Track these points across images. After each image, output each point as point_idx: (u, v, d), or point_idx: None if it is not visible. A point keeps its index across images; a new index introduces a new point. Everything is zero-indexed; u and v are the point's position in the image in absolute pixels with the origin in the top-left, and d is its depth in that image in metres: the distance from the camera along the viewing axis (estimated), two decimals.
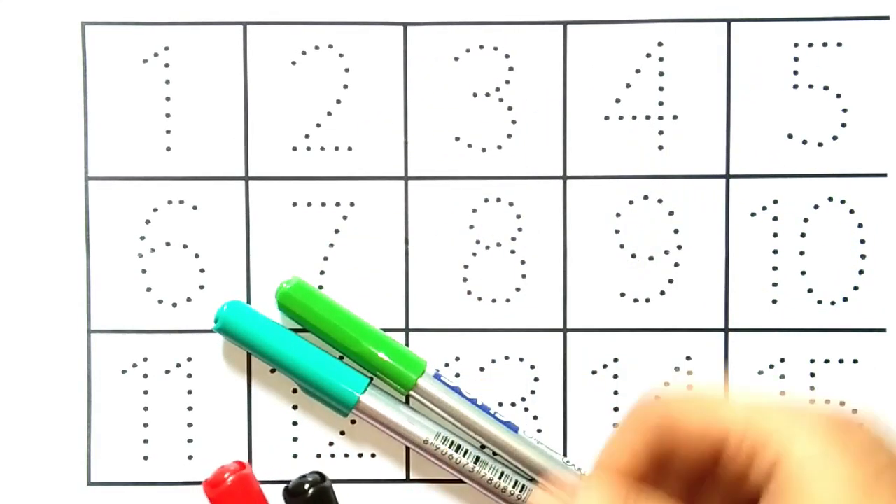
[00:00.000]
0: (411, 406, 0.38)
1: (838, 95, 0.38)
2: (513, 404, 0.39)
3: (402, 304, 0.39)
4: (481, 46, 0.38)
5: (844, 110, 0.38)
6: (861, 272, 0.38)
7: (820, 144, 0.38)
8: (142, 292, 0.39)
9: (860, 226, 0.38)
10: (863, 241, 0.38)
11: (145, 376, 0.39)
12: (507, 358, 0.39)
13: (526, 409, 0.39)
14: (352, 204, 0.39)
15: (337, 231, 0.39)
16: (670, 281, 0.39)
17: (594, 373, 0.39)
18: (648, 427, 0.27)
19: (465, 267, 0.39)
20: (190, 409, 0.39)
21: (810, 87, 0.38)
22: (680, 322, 0.38)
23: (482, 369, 0.39)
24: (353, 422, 0.39)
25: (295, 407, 0.39)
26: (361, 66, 0.39)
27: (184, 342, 0.39)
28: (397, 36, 0.38)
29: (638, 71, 0.38)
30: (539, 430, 0.39)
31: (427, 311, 0.39)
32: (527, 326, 0.39)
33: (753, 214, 0.38)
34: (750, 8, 0.38)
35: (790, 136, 0.38)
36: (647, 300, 0.39)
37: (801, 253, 0.39)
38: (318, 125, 0.39)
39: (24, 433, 0.38)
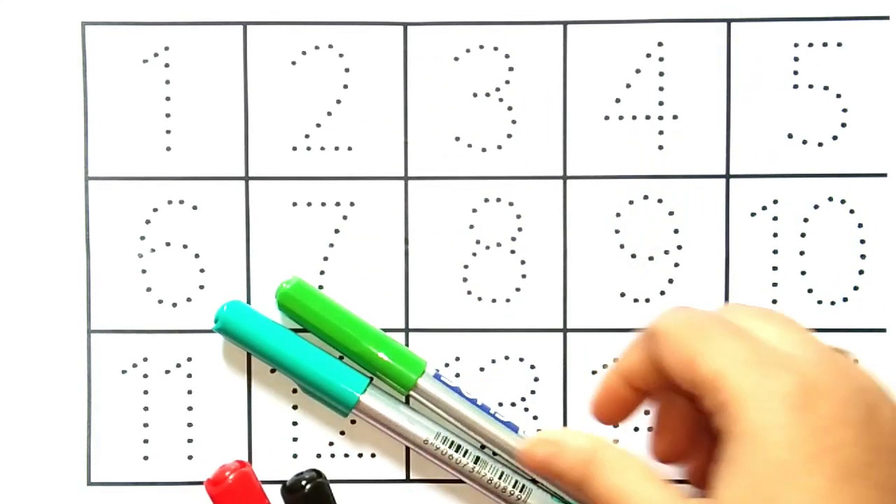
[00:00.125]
0: (411, 406, 0.38)
1: (838, 95, 0.38)
2: (513, 404, 0.39)
3: (402, 304, 0.39)
4: (481, 46, 0.38)
5: (844, 110, 0.38)
6: (861, 272, 0.38)
7: (820, 144, 0.38)
8: (142, 292, 0.39)
9: (860, 226, 0.38)
10: (863, 241, 0.38)
11: (145, 376, 0.39)
12: (507, 358, 0.39)
13: (526, 409, 0.39)
14: (352, 204, 0.39)
15: (337, 231, 0.39)
16: (670, 281, 0.39)
17: (594, 373, 0.39)
18: (645, 350, 0.31)
19: (465, 267, 0.39)
20: (190, 409, 0.39)
21: (810, 87, 0.38)
22: None
23: (482, 369, 0.39)
24: (353, 422, 0.39)
25: (295, 407, 0.39)
26: (361, 66, 0.39)
27: (184, 342, 0.39)
28: (397, 36, 0.38)
29: (638, 71, 0.38)
30: (539, 430, 0.39)
31: (427, 311, 0.39)
32: (527, 326, 0.39)
33: (753, 214, 0.38)
34: (750, 8, 0.38)
35: (790, 136, 0.38)
36: (647, 300, 0.39)
37: (801, 253, 0.39)
38: (318, 125, 0.39)
39: (24, 433, 0.38)
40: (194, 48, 0.38)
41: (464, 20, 0.38)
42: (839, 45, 0.38)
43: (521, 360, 0.39)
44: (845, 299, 0.39)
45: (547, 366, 0.39)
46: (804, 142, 0.38)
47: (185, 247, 0.39)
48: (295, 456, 0.39)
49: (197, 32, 0.38)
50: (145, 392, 0.39)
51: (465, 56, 0.38)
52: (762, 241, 0.39)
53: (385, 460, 0.39)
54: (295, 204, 0.39)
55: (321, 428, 0.39)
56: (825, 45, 0.38)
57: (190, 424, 0.39)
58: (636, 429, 0.39)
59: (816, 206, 0.38)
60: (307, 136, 0.39)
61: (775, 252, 0.39)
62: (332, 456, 0.39)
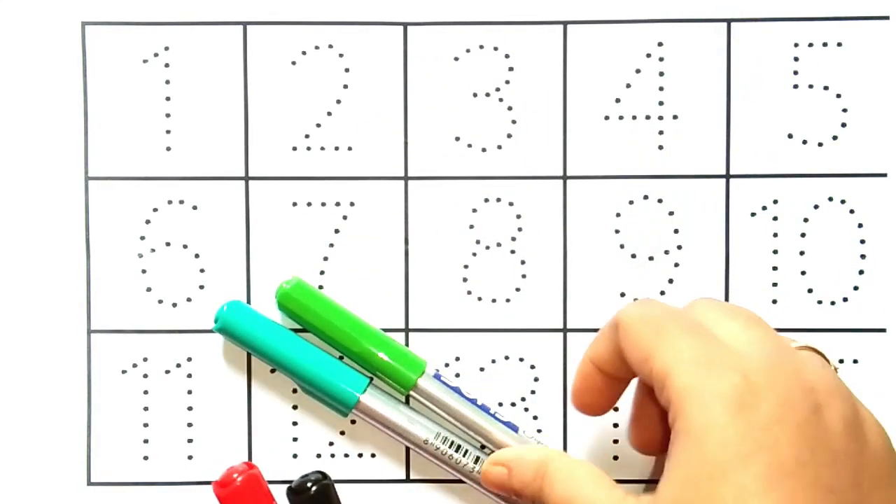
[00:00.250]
0: (411, 406, 0.38)
1: (838, 95, 0.38)
2: (513, 404, 0.39)
3: (402, 304, 0.39)
4: (481, 46, 0.38)
5: (844, 110, 0.38)
6: (861, 272, 0.38)
7: (820, 144, 0.38)
8: (142, 292, 0.39)
9: (860, 226, 0.38)
10: (863, 241, 0.38)
11: (145, 376, 0.39)
12: (507, 358, 0.39)
13: (526, 409, 0.39)
14: (352, 204, 0.39)
15: (337, 231, 0.39)
16: (670, 281, 0.39)
17: None
18: (612, 339, 0.32)
19: (465, 267, 0.39)
20: (190, 409, 0.39)
21: (810, 87, 0.38)
22: None
23: (482, 369, 0.39)
24: (353, 422, 0.39)
25: (295, 407, 0.39)
26: (361, 66, 0.39)
27: (184, 342, 0.39)
28: (397, 36, 0.38)
29: (638, 71, 0.38)
30: (539, 430, 0.39)
31: (427, 311, 0.39)
32: (527, 326, 0.39)
33: (753, 214, 0.38)
34: (750, 8, 0.38)
35: (790, 136, 0.38)
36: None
37: (801, 253, 0.39)
38: (318, 125, 0.39)
39: (24, 433, 0.38)
40: (194, 48, 0.38)
41: (464, 20, 0.38)
42: (839, 45, 0.38)
43: (521, 360, 0.39)
44: (845, 299, 0.39)
45: (547, 366, 0.39)
46: (804, 142, 0.38)
47: (185, 247, 0.39)
48: (295, 456, 0.39)
49: (197, 32, 0.38)
50: (145, 392, 0.39)
51: (465, 56, 0.38)
52: (762, 241, 0.39)
53: (385, 460, 0.39)
54: (295, 204, 0.39)
55: (321, 428, 0.39)
56: (825, 45, 0.38)
57: (190, 424, 0.39)
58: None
59: (816, 206, 0.38)
60: (307, 136, 0.39)
61: (775, 252, 0.39)
62: (332, 456, 0.39)
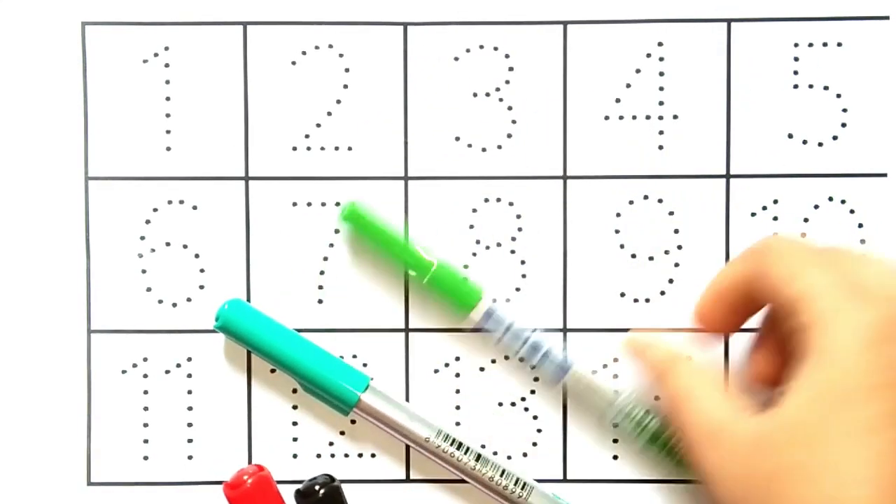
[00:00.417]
0: (411, 405, 0.38)
1: (838, 95, 0.38)
2: (513, 404, 0.39)
3: (402, 304, 0.39)
4: (481, 46, 0.38)
5: (844, 110, 0.38)
6: None
7: (820, 144, 0.38)
8: (142, 292, 0.39)
9: (860, 226, 0.38)
10: (863, 241, 0.38)
11: (145, 376, 0.39)
12: (506, 358, 0.39)
13: (526, 409, 0.39)
14: None
15: (337, 231, 0.39)
16: (670, 281, 0.39)
17: (594, 373, 0.39)
18: (747, 264, 0.34)
19: (465, 267, 0.39)
20: (190, 409, 0.39)
21: (810, 87, 0.38)
22: (680, 322, 0.38)
23: (482, 369, 0.39)
24: (353, 421, 0.39)
25: (295, 407, 0.39)
26: (361, 66, 0.39)
27: (184, 342, 0.39)
28: (397, 36, 0.38)
29: (638, 71, 0.38)
30: (539, 431, 0.39)
31: (427, 311, 0.39)
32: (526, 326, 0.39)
33: (753, 214, 0.38)
34: (750, 8, 0.38)
35: (790, 136, 0.38)
36: (647, 300, 0.39)
37: None
38: (318, 125, 0.39)
39: (24, 433, 0.38)
40: (194, 48, 0.38)
41: (464, 20, 0.38)
42: (839, 45, 0.38)
43: (521, 360, 0.39)
44: None
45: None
46: (804, 142, 0.38)
47: (185, 247, 0.39)
48: (295, 456, 0.39)
49: (197, 32, 0.38)
50: (145, 392, 0.39)
51: (465, 56, 0.38)
52: None
53: (385, 460, 0.39)
54: (295, 204, 0.39)
55: (321, 428, 0.39)
56: (825, 45, 0.38)
57: (190, 424, 0.39)
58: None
59: (816, 206, 0.38)
60: (307, 136, 0.39)
61: None
62: (332, 456, 0.39)
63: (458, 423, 0.39)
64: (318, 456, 0.39)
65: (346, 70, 0.39)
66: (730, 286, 0.35)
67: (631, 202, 0.39)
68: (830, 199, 0.38)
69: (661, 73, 0.38)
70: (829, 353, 0.29)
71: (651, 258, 0.39)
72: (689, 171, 0.39)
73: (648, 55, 0.38)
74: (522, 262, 0.39)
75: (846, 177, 0.38)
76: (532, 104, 0.38)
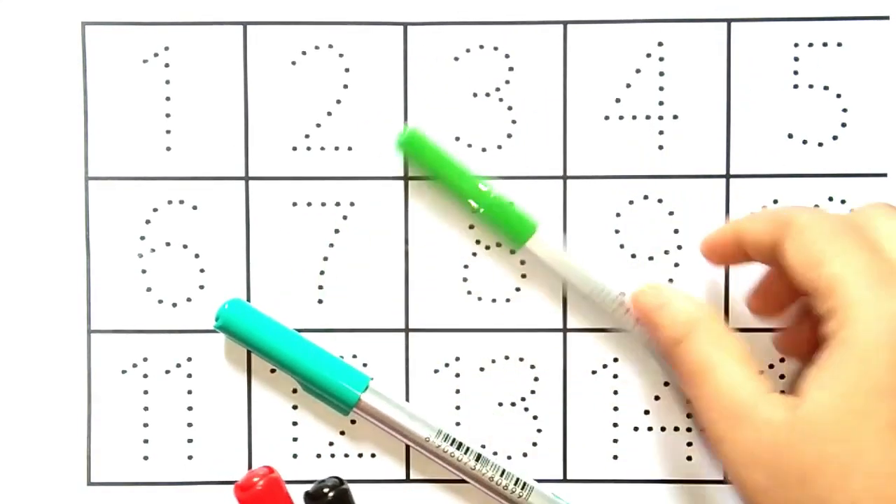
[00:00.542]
0: (411, 405, 0.38)
1: (838, 95, 0.38)
2: (513, 404, 0.39)
3: (402, 304, 0.39)
4: (481, 46, 0.38)
5: (844, 110, 0.38)
6: None
7: (820, 144, 0.38)
8: (142, 292, 0.39)
9: None
10: None
11: (145, 376, 0.39)
12: (507, 358, 0.39)
13: (526, 409, 0.39)
14: (352, 204, 0.39)
15: (337, 231, 0.39)
16: (670, 281, 0.39)
17: (594, 373, 0.39)
18: (772, 230, 0.32)
19: (465, 267, 0.39)
20: (190, 409, 0.39)
21: (810, 87, 0.38)
22: None
23: (482, 369, 0.39)
24: (353, 422, 0.39)
25: (295, 407, 0.39)
26: (361, 66, 0.39)
27: (184, 342, 0.39)
28: (397, 36, 0.38)
29: (638, 71, 0.38)
30: (539, 431, 0.39)
31: (427, 311, 0.39)
32: (527, 326, 0.39)
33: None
34: (750, 8, 0.38)
35: (790, 136, 0.38)
36: None
37: None
38: (318, 125, 0.39)
39: (24, 433, 0.38)
40: (194, 48, 0.38)
41: (464, 20, 0.38)
42: (839, 45, 0.38)
43: (521, 360, 0.39)
44: None
45: (547, 366, 0.39)
46: (804, 142, 0.38)
47: (185, 247, 0.39)
48: (295, 456, 0.39)
49: (197, 32, 0.38)
50: (145, 392, 0.39)
51: (465, 56, 0.38)
52: None
53: (385, 460, 0.39)
54: (295, 204, 0.39)
55: (321, 428, 0.39)
56: (825, 45, 0.38)
57: (190, 424, 0.39)
58: (636, 428, 0.39)
59: (816, 206, 0.38)
60: (307, 136, 0.39)
61: None
62: (332, 456, 0.39)
63: (458, 423, 0.39)
64: (318, 456, 0.39)
65: (346, 70, 0.39)
66: (748, 242, 0.34)
67: (631, 202, 0.39)
68: (830, 199, 0.38)
69: (661, 73, 0.38)
70: (861, 345, 0.29)
71: (651, 258, 0.39)
72: (689, 171, 0.39)
73: (648, 55, 0.38)
74: (522, 262, 0.39)
75: (846, 177, 0.38)
76: (532, 104, 0.38)
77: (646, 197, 0.39)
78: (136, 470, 0.39)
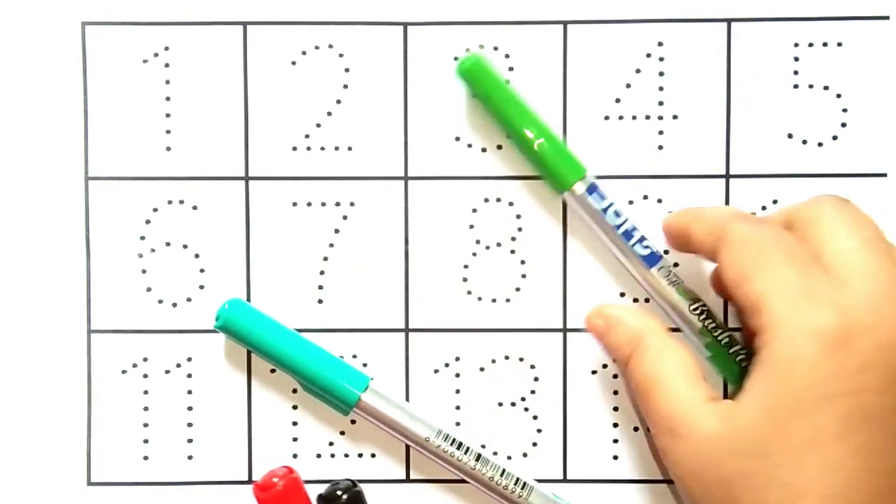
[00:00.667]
0: (411, 405, 0.38)
1: (838, 95, 0.38)
2: (513, 404, 0.39)
3: (402, 304, 0.39)
4: (481, 46, 0.38)
5: (844, 110, 0.38)
6: None
7: (820, 144, 0.38)
8: (142, 292, 0.39)
9: None
10: None
11: (145, 376, 0.39)
12: (507, 358, 0.39)
13: (526, 409, 0.39)
14: (352, 204, 0.39)
15: (337, 231, 0.39)
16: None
17: (594, 373, 0.39)
18: (707, 243, 0.33)
19: (465, 267, 0.39)
20: (190, 409, 0.39)
21: (810, 87, 0.38)
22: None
23: (482, 369, 0.39)
24: (353, 422, 0.39)
25: (295, 407, 0.39)
26: (361, 66, 0.39)
27: (184, 342, 0.39)
28: (397, 36, 0.38)
29: (638, 71, 0.38)
30: (539, 431, 0.39)
31: (427, 311, 0.39)
32: (527, 326, 0.39)
33: (753, 215, 0.38)
34: (750, 8, 0.38)
35: (790, 136, 0.38)
36: (647, 300, 0.39)
37: None
38: (318, 125, 0.39)
39: (24, 433, 0.38)
40: (194, 48, 0.38)
41: (464, 20, 0.38)
42: (839, 45, 0.38)
43: (521, 360, 0.39)
44: None
45: (547, 366, 0.39)
46: (804, 142, 0.38)
47: (185, 247, 0.39)
48: (295, 456, 0.39)
49: (197, 32, 0.38)
50: (145, 392, 0.39)
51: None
52: None
53: (385, 460, 0.39)
54: (295, 204, 0.39)
55: (321, 428, 0.39)
56: (825, 45, 0.38)
57: (190, 424, 0.39)
58: (636, 429, 0.39)
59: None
60: (307, 136, 0.39)
61: None
62: (332, 456, 0.39)
63: (458, 423, 0.39)
64: (318, 456, 0.39)
65: (346, 70, 0.39)
66: (694, 244, 0.34)
67: (631, 202, 0.39)
68: None
69: (661, 73, 0.38)
70: (781, 364, 0.29)
71: None
72: (688, 171, 0.39)
73: (648, 55, 0.38)
74: (522, 262, 0.39)
75: (846, 177, 0.38)
76: (532, 104, 0.38)
77: (645, 197, 0.39)
78: (136, 470, 0.39)
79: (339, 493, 0.36)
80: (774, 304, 0.30)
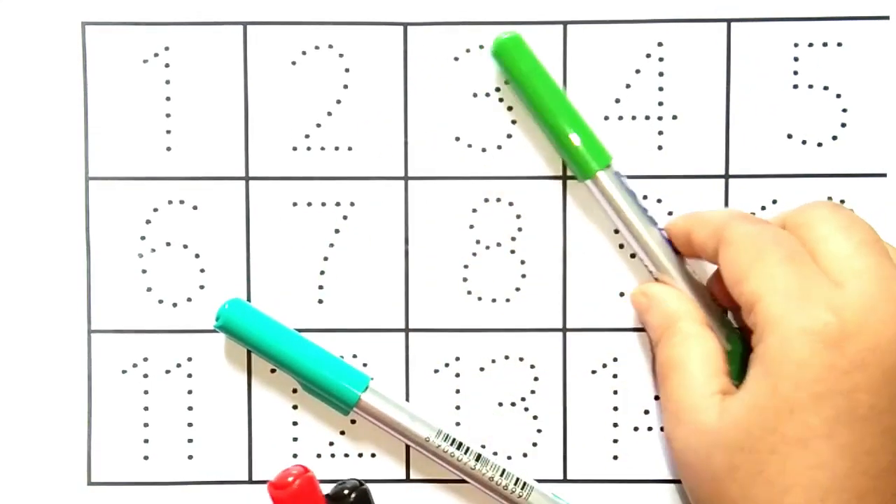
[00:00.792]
0: (411, 405, 0.38)
1: (838, 95, 0.38)
2: (513, 404, 0.39)
3: (402, 304, 0.39)
4: (481, 46, 0.38)
5: (844, 110, 0.38)
6: None
7: (820, 144, 0.38)
8: (142, 292, 0.39)
9: None
10: None
11: (145, 376, 0.39)
12: (507, 358, 0.39)
13: (526, 409, 0.39)
14: (352, 204, 0.39)
15: (337, 231, 0.39)
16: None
17: (594, 373, 0.39)
18: (713, 238, 0.33)
19: (465, 267, 0.39)
20: (190, 408, 0.39)
21: (810, 87, 0.38)
22: None
23: (482, 369, 0.39)
24: (353, 421, 0.39)
25: (295, 407, 0.39)
26: (361, 66, 0.39)
27: (184, 342, 0.39)
28: (397, 36, 0.38)
29: (638, 71, 0.38)
30: (539, 431, 0.39)
31: (427, 311, 0.39)
32: (527, 326, 0.39)
33: (753, 215, 0.38)
34: (750, 8, 0.38)
35: (790, 136, 0.38)
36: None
37: None
38: (318, 125, 0.39)
39: (24, 433, 0.38)
40: (194, 48, 0.38)
41: (464, 20, 0.38)
42: (839, 45, 0.38)
43: (521, 359, 0.39)
44: None
45: (547, 366, 0.39)
46: (804, 142, 0.38)
47: (185, 247, 0.39)
48: (295, 456, 0.39)
49: (197, 32, 0.38)
50: (145, 392, 0.39)
51: (465, 56, 0.38)
52: None
53: (385, 460, 0.39)
54: (295, 204, 0.39)
55: (321, 428, 0.39)
56: (825, 45, 0.38)
57: (190, 424, 0.39)
58: (636, 428, 0.39)
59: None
60: (307, 136, 0.39)
61: None
62: (332, 456, 0.39)
63: (458, 423, 0.39)
64: (319, 456, 0.39)
65: (346, 70, 0.39)
66: (696, 247, 0.35)
67: None
68: (830, 199, 0.38)
69: (661, 74, 0.38)
70: (772, 362, 0.29)
71: None
72: (688, 171, 0.39)
73: (648, 55, 0.38)
74: (522, 262, 0.39)
75: (846, 177, 0.38)
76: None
77: (645, 197, 0.39)
78: (136, 470, 0.39)
79: (346, 492, 0.37)
80: (769, 303, 0.30)
